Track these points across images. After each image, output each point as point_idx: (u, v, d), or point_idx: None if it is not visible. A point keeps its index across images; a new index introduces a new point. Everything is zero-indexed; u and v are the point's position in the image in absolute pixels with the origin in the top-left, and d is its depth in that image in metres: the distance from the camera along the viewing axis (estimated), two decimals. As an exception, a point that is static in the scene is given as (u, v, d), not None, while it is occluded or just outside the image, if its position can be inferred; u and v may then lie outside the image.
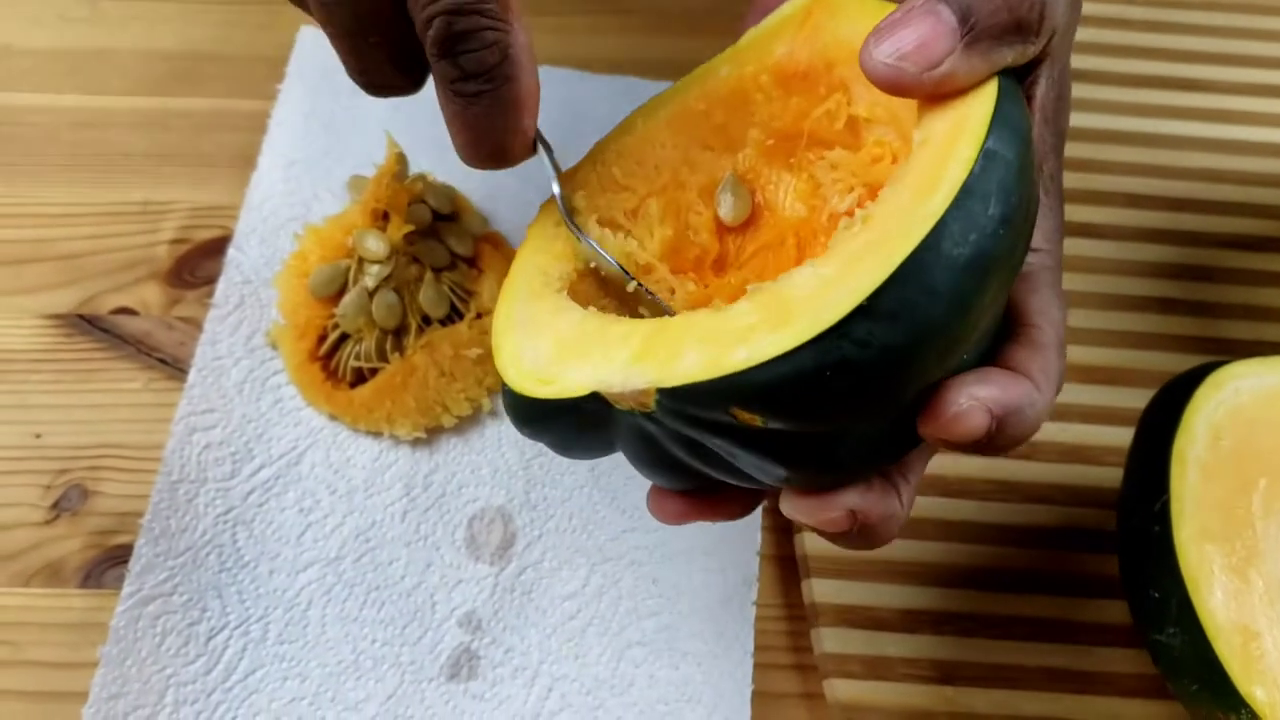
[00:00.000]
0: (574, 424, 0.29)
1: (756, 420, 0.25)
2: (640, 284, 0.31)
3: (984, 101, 0.27)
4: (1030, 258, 0.31)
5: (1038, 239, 0.31)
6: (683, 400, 0.26)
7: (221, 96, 0.54)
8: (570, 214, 0.32)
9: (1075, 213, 0.52)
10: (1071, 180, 0.54)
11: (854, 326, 0.24)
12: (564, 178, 0.33)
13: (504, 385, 0.30)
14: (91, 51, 0.56)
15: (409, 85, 0.34)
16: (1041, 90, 0.32)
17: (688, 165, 0.34)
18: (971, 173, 0.25)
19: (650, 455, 0.29)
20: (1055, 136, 0.33)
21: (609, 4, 0.60)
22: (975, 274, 0.25)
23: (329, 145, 0.52)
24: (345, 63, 0.34)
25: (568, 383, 0.28)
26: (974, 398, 0.27)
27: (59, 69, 0.55)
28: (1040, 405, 0.29)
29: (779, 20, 0.34)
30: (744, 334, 0.25)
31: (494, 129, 0.31)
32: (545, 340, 0.29)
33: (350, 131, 0.53)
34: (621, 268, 0.32)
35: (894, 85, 0.28)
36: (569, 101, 0.54)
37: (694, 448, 0.28)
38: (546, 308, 0.30)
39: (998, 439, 0.28)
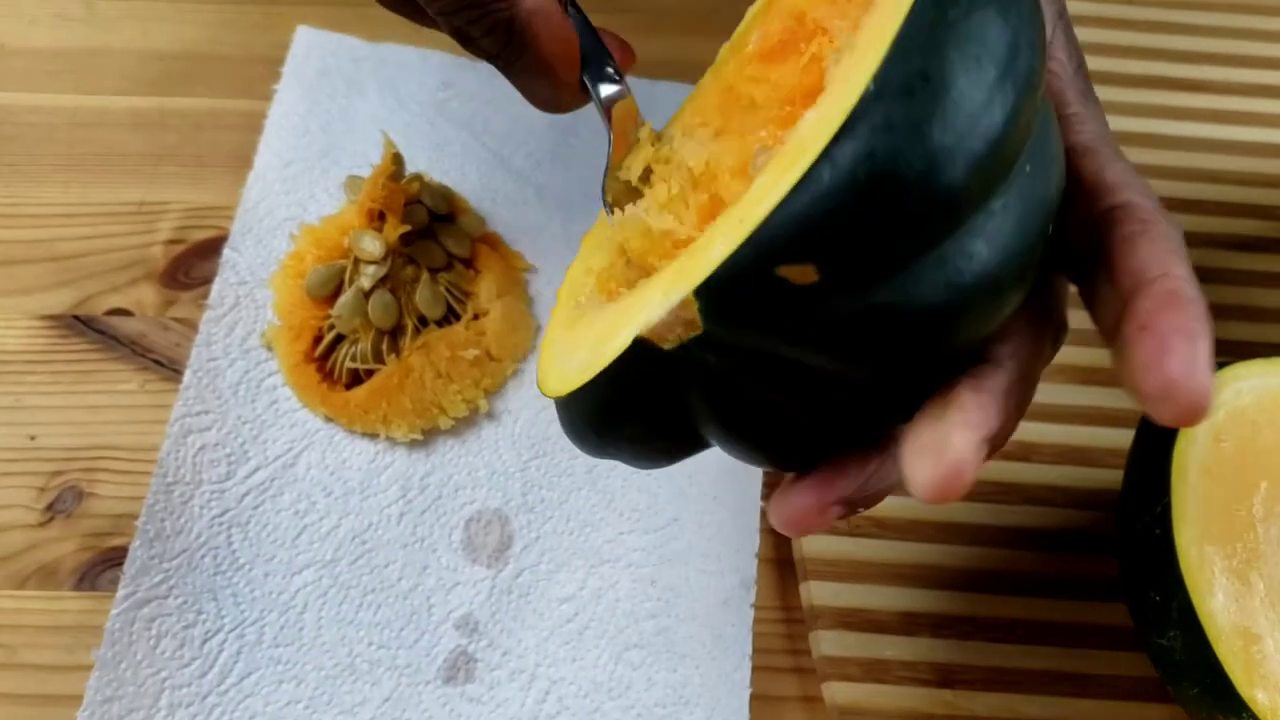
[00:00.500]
0: (639, 412, 0.26)
1: (810, 273, 0.22)
2: None
3: None
4: (1083, 133, 0.29)
5: (1083, 123, 0.29)
6: (726, 292, 0.23)
7: (218, 96, 0.54)
8: (616, 176, 0.31)
9: (1075, 213, 0.52)
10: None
11: (870, 113, 0.21)
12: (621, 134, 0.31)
13: (560, 412, 0.27)
14: (88, 51, 0.55)
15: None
16: None
17: (711, 159, 0.33)
18: None
19: (732, 411, 0.25)
20: (1056, 13, 0.31)
21: (609, 4, 0.59)
22: (993, 29, 0.22)
23: (325, 145, 0.52)
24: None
25: (610, 351, 0.25)
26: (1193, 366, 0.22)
27: (55, 69, 0.55)
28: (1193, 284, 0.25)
29: (746, 20, 0.33)
30: (764, 192, 0.22)
31: (535, 89, 0.33)
32: (584, 347, 0.27)
33: (346, 132, 0.53)
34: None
35: None
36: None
37: (770, 371, 0.24)
38: (584, 323, 0.28)
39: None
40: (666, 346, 0.24)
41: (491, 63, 0.33)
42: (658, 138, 0.32)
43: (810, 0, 0.30)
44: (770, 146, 0.31)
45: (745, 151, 0.31)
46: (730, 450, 0.27)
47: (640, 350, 0.24)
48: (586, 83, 0.33)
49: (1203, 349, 0.23)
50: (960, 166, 0.22)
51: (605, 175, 0.31)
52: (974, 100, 0.22)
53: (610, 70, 0.33)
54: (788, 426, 0.26)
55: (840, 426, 0.26)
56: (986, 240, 0.23)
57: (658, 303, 0.24)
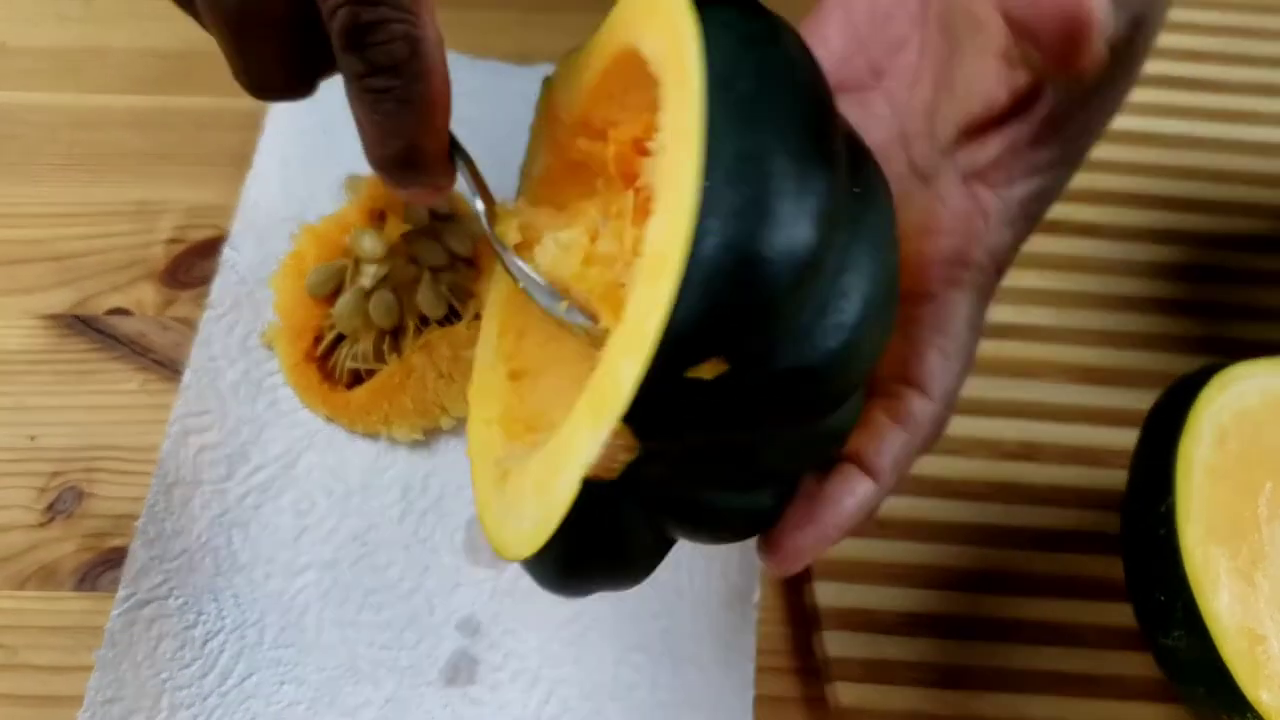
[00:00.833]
0: (606, 545, 0.28)
1: (719, 364, 0.24)
2: (571, 309, 0.30)
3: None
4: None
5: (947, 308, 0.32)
6: (652, 409, 0.24)
7: (217, 95, 0.54)
8: (495, 228, 0.32)
9: (1079, 212, 0.52)
10: (1075, 179, 0.53)
11: (714, 205, 0.23)
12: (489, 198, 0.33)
13: (529, 570, 0.29)
14: (87, 50, 0.55)
15: (300, 89, 0.33)
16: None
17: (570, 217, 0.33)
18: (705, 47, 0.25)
19: (690, 504, 0.28)
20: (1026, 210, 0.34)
21: (608, 5, 0.59)
22: (785, 94, 0.25)
23: (325, 144, 0.52)
24: (230, 63, 0.31)
25: (560, 500, 0.26)
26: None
27: (55, 68, 0.55)
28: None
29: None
30: (650, 304, 0.24)
31: (405, 129, 0.30)
32: (528, 501, 0.27)
33: (347, 130, 0.51)
34: (553, 293, 0.30)
35: None
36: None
37: (711, 456, 0.26)
38: (515, 477, 0.29)
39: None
40: (613, 477, 0.25)
41: (360, 84, 0.30)
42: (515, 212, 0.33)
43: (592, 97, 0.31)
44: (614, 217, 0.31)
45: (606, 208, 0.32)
46: (702, 539, 0.29)
47: (590, 489, 0.25)
48: (453, 155, 0.33)
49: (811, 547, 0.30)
50: (805, 221, 0.24)
51: (489, 231, 0.33)
52: (797, 162, 0.24)
53: (469, 158, 0.33)
54: (741, 498, 0.28)
55: (782, 474, 0.29)
56: (854, 273, 0.25)
57: (590, 440, 0.25)
